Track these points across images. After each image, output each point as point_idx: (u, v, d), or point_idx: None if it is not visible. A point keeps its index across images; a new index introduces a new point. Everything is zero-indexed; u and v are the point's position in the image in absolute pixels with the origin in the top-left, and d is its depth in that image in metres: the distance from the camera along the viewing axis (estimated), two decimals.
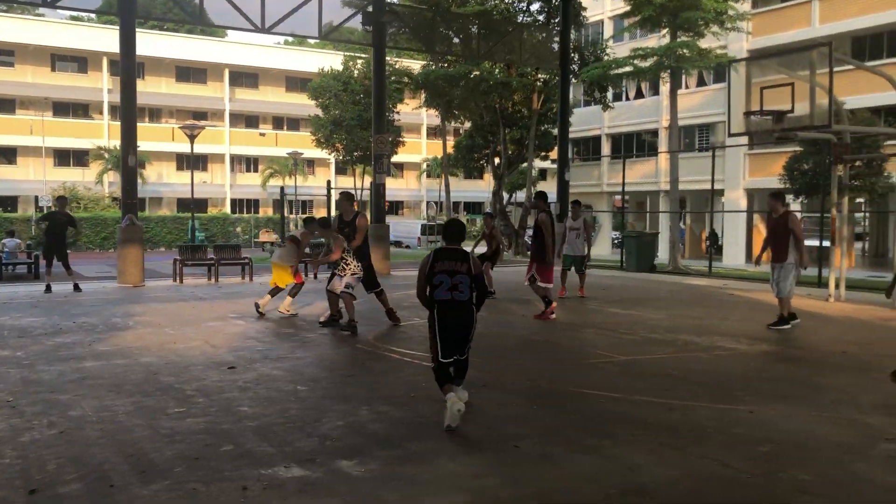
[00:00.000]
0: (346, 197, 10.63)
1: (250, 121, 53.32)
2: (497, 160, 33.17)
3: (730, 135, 12.84)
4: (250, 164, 52.79)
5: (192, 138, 24.67)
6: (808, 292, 15.27)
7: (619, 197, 43.43)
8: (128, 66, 15.93)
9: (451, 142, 39.12)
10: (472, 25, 23.60)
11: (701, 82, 35.17)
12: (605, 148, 39.44)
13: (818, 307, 13.19)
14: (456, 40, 24.19)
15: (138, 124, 16.44)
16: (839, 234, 14.02)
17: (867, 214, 29.93)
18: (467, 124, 36.24)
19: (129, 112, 15.79)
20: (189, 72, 50.66)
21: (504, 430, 5.54)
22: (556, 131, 39.54)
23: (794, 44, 12.51)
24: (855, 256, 32.83)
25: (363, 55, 30.67)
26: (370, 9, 18.65)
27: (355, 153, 28.20)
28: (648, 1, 25.33)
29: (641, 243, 20.97)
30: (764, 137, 15.23)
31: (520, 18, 28.75)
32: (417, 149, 55.97)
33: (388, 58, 31.27)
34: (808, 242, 23.41)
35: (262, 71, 52.35)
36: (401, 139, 31.72)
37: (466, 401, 5.93)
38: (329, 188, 20.71)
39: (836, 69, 18.28)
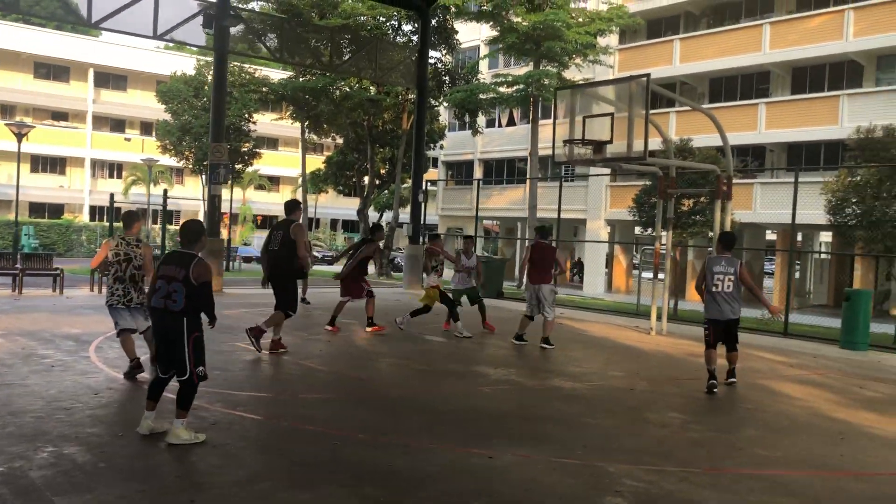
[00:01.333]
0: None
1: (117, 125, 50.60)
2: (366, 179, 32.52)
3: (553, 163, 12.66)
4: (114, 169, 50.05)
5: (19, 137, 22.83)
6: (636, 324, 15.29)
7: (489, 222, 43.69)
8: None
9: (325, 156, 38.18)
10: (330, 40, 22.94)
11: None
12: (478, 172, 39.48)
13: (636, 339, 13.12)
14: (319, 52, 23.45)
15: None
16: (662, 267, 14.04)
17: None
18: (340, 140, 35.47)
19: None
20: (49, 68, 47.63)
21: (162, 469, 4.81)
22: (430, 153, 39.50)
23: (625, 79, 12.39)
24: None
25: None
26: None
27: (205, 162, 26.90)
28: (513, 28, 25.49)
29: (489, 269, 20.68)
30: (585, 166, 15.21)
31: (394, 37, 28.34)
32: (295, 163, 54.72)
33: (249, 66, 30.35)
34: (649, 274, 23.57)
35: (132, 73, 49.82)
36: (258, 150, 30.58)
37: (189, 440, 5.34)
38: (165, 197, 19.42)
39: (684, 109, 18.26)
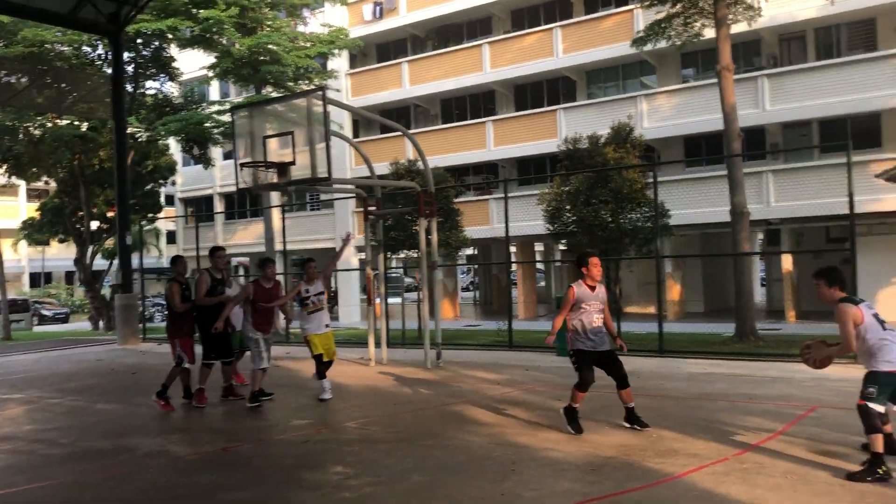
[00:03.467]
0: None
1: None
2: (82, 225, 29.26)
3: (237, 189, 11.42)
4: None
5: None
6: (361, 355, 14.33)
7: (241, 259, 41.44)
8: None
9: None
10: (16, 71, 20.13)
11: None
12: (218, 207, 37.22)
13: (351, 374, 12.10)
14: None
15: None
16: (375, 293, 13.27)
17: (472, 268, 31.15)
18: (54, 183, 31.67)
19: None
20: None
21: None
22: (162, 188, 36.55)
23: (302, 94, 11.43)
24: (461, 307, 34.41)
25: None
26: None
27: None
28: (227, 53, 24.01)
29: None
30: (269, 191, 14.19)
31: (100, 66, 25.62)
32: (14, 213, 48.88)
33: None
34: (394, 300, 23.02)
35: None
36: None
37: None
38: None
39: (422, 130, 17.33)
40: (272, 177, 10.95)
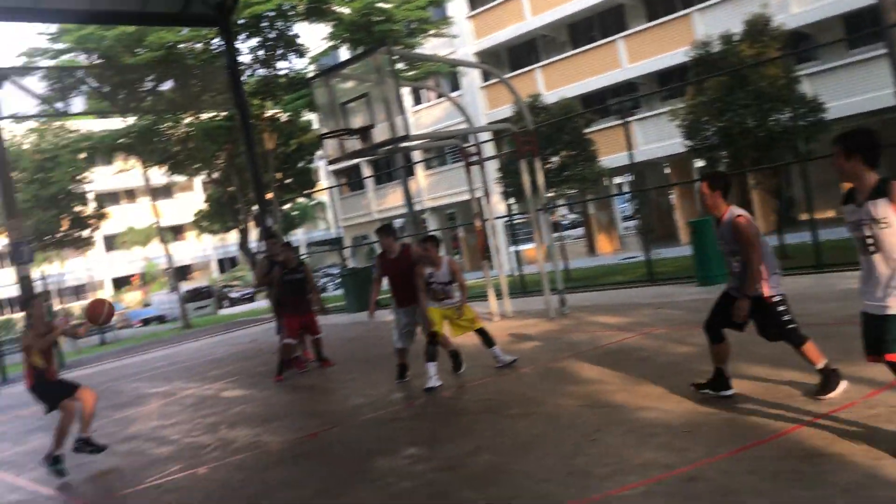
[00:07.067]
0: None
1: None
2: (238, 211, 30.74)
3: (329, 162, 11.18)
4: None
5: None
6: (487, 310, 13.68)
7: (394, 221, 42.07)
8: None
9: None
10: (146, 76, 21.15)
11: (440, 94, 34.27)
12: (366, 174, 37.87)
13: (535, 331, 10.99)
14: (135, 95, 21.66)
15: None
16: (484, 245, 12.60)
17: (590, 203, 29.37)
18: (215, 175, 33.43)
19: None
20: None
21: None
22: (314, 165, 37.69)
23: (365, 53, 10.91)
24: (622, 239, 32.85)
25: (34, 123, 27.40)
26: None
27: (45, 237, 24.93)
28: (339, 21, 23.94)
29: (358, 280, 19.15)
30: (357, 158, 13.77)
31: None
32: (194, 207, 52.69)
33: (69, 122, 28.28)
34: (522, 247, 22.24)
35: None
36: (103, 210, 28.52)
37: None
38: None
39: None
40: (357, 144, 10.59)
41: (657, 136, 24.89)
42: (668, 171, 29.03)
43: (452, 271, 8.18)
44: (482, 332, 8.37)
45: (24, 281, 16.44)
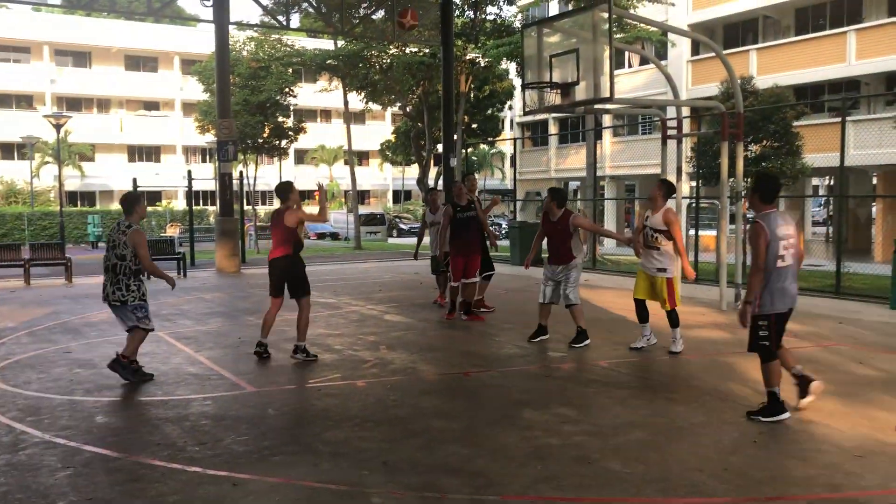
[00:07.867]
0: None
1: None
2: (423, 146, 31.49)
3: (525, 113, 11.12)
4: (206, 154, 51.26)
5: (58, 128, 23.25)
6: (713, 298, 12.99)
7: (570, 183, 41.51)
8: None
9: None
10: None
11: (643, 61, 33.12)
12: (553, 131, 37.50)
13: (705, 321, 10.65)
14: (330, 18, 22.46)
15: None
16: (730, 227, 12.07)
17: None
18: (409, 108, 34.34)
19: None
20: (139, 60, 49.23)
21: None
22: (502, 113, 37.84)
23: (586, 7, 10.72)
24: (816, 247, 30.68)
25: (254, 33, 28.97)
26: None
27: (248, 141, 26.57)
28: None
29: (525, 234, 19.20)
30: (553, 113, 13.46)
31: None
32: (382, 135, 54.49)
33: (284, 36, 29.69)
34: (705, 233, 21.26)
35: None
36: (302, 124, 29.91)
37: None
38: (190, 178, 19.19)
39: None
40: (556, 99, 10.50)
41: (873, 142, 22.88)
42: (875, 181, 26.73)
43: (667, 222, 7.96)
44: (671, 315, 8.09)
45: (224, 178, 17.78)
